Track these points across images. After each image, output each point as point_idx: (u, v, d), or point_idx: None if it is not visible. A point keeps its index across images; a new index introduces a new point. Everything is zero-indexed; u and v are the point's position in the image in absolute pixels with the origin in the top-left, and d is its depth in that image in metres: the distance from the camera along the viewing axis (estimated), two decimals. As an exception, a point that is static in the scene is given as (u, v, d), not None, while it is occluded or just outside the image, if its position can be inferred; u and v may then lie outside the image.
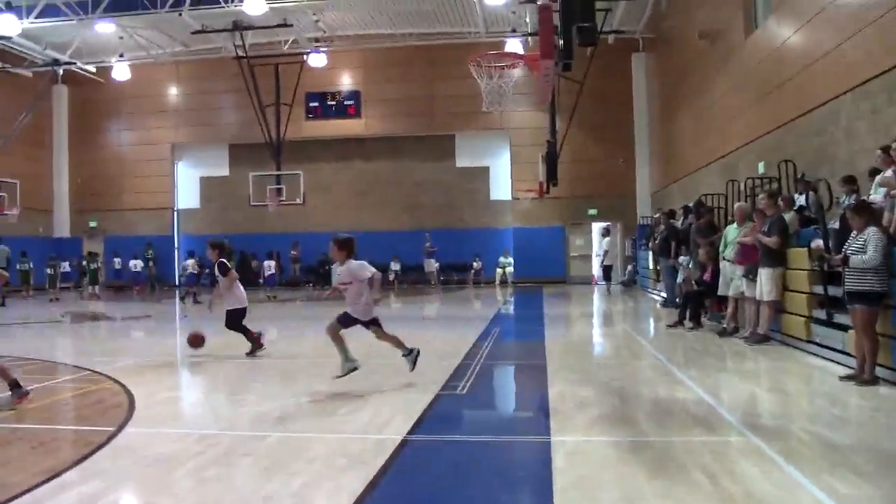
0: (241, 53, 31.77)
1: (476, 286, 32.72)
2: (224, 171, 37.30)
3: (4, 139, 31.41)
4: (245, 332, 12.20)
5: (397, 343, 9.54)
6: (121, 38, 31.97)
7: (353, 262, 9.21)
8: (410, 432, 6.87)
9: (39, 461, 6.15)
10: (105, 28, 30.03)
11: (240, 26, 30.15)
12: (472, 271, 33.82)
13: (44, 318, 21.00)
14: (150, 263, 34.80)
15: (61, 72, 35.57)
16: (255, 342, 12.15)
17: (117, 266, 34.28)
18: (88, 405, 8.34)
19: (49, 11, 28.34)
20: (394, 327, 10.03)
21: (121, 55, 33.87)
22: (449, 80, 33.53)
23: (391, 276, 33.63)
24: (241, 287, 12.46)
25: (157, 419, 7.59)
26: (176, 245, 37.45)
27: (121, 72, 34.56)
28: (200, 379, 10.62)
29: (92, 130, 37.87)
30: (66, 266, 31.87)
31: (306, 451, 6.27)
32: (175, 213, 37.62)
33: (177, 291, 32.92)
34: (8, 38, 30.09)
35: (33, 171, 35.31)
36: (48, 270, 29.96)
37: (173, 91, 37.38)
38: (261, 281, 32.91)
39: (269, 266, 29.18)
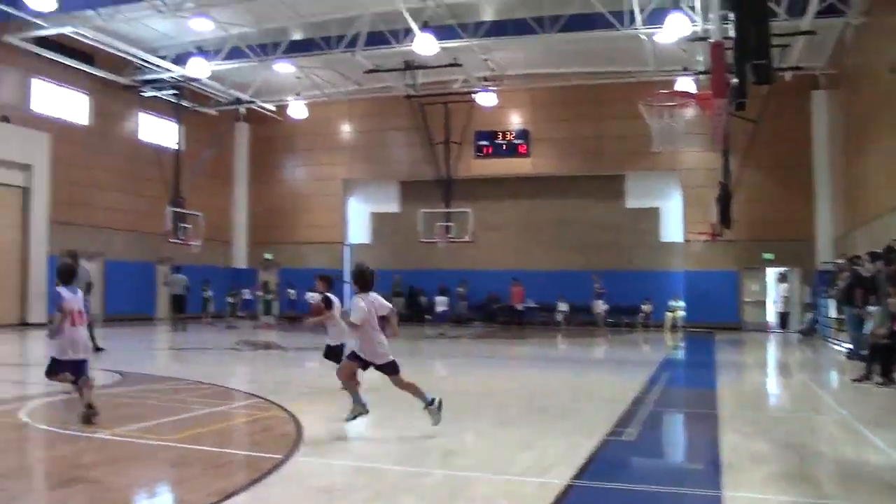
0: (411, 92, 32.71)
1: (645, 330, 31.98)
2: (395, 207, 38.31)
3: (193, 174, 33.55)
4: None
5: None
6: (298, 77, 33.61)
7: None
8: (575, 477, 6.73)
9: (213, 482, 6.43)
10: (284, 68, 31.66)
11: (411, 66, 31.07)
12: (642, 314, 33.05)
13: (221, 345, 22.11)
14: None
15: (243, 110, 37.77)
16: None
17: (291, 297, 35.62)
18: (258, 432, 8.67)
19: (233, 54, 30.15)
20: (559, 369, 9.90)
21: (297, 94, 35.60)
22: (618, 120, 33.21)
23: (558, 317, 33.39)
24: (343, 323, 12.14)
25: (323, 449, 7.78)
26: (346, 280, 38.66)
27: (297, 110, 36.30)
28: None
29: (269, 165, 39.90)
30: (247, 294, 33.24)
31: (468, 490, 6.25)
32: (346, 248, 38.91)
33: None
34: (197, 80, 32.25)
35: (215, 204, 37.50)
36: (229, 299, 31.59)
37: (346, 128, 38.85)
38: (428, 317, 33.48)
39: (442, 302, 29.43)
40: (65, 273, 9.56)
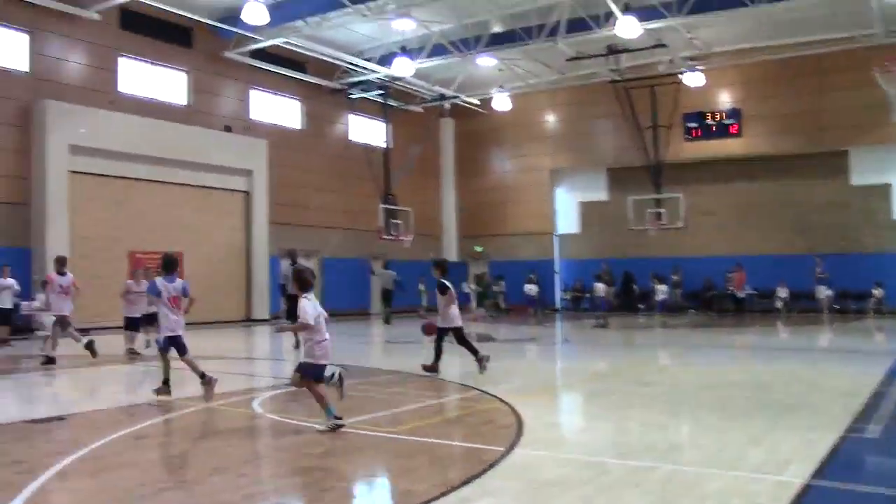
0: (615, 77, 32.13)
1: (878, 316, 29.77)
2: (603, 195, 37.81)
3: (402, 171, 34.58)
4: (469, 348, 13.19)
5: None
6: (500, 70, 33.81)
7: None
8: (815, 476, 6.32)
9: (438, 473, 6.55)
10: (486, 62, 31.94)
11: (614, 50, 30.49)
12: (873, 300, 30.79)
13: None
14: (537, 288, 35.99)
15: (447, 106, 38.50)
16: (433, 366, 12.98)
17: (499, 289, 35.83)
18: (480, 424, 8.76)
19: (436, 51, 30.75)
20: (784, 359, 9.35)
21: (500, 86, 35.84)
22: (840, 91, 31.13)
23: (778, 304, 31.77)
24: (456, 309, 13.15)
25: (545, 442, 7.74)
26: (556, 269, 38.60)
27: (501, 102, 36.56)
28: (585, 404, 10.73)
29: (476, 159, 40.48)
30: (465, 287, 33.57)
31: (698, 487, 6.01)
32: (555, 238, 38.81)
33: (557, 314, 33.80)
34: (402, 79, 33.18)
35: (424, 199, 38.48)
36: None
37: (550, 118, 38.74)
38: (640, 306, 32.82)
39: (662, 290, 28.55)
40: (167, 264, 10.78)
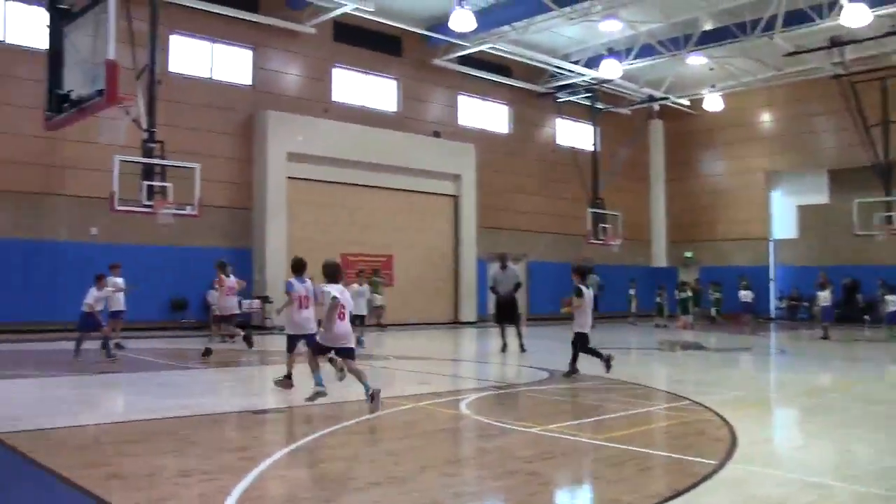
0: (839, 71, 30.23)
1: None
2: (823, 198, 35.66)
3: (610, 174, 34.12)
4: (593, 353, 13.23)
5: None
6: (711, 69, 32.68)
7: None
8: None
9: (648, 484, 6.37)
10: (696, 61, 30.96)
11: (838, 42, 28.67)
12: None
13: (644, 344, 22.18)
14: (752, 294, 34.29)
15: (656, 107, 37.62)
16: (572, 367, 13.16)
17: (714, 296, 34.35)
18: (690, 435, 8.45)
19: (644, 51, 30.13)
20: None
21: (712, 86, 34.63)
22: None
23: None
24: (589, 313, 13.34)
25: (761, 458, 7.35)
26: (771, 276, 36.81)
27: (713, 102, 35.32)
28: (804, 420, 10.12)
29: (685, 162, 39.32)
30: (677, 294, 32.43)
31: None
32: (770, 244, 37.03)
33: (772, 324, 32.22)
34: (610, 81, 32.74)
35: (633, 204, 37.77)
36: (657, 299, 31.58)
37: (766, 117, 37.01)
38: (866, 318, 30.75)
39: (893, 301, 26.43)
40: (296, 266, 11.89)
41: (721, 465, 6.77)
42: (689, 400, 10.63)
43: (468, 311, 31.13)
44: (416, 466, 6.77)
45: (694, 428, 8.78)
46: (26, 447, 7.25)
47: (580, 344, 13.30)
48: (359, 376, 9.58)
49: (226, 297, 17.05)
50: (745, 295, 32.31)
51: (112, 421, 9.06)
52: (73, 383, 12.62)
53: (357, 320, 17.97)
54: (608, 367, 13.24)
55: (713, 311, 31.95)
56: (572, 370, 13.18)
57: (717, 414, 9.38)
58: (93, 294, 15.08)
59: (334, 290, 9.58)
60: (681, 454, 7.32)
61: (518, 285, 18.54)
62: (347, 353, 9.66)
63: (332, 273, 9.92)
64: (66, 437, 7.92)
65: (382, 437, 8.37)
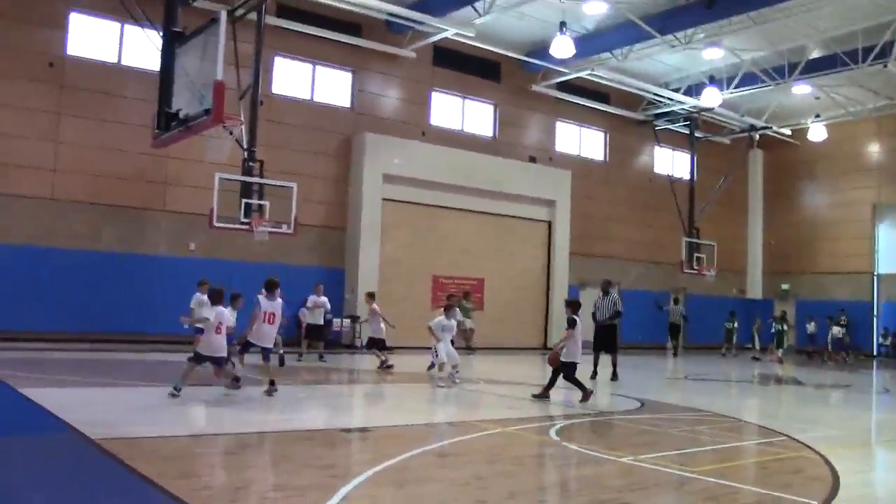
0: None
1: None
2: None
3: (707, 204, 33.45)
4: (577, 384, 13.33)
5: None
6: (816, 98, 31.79)
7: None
8: None
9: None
10: (801, 90, 30.20)
11: (955, 70, 27.54)
12: None
13: (740, 377, 21.61)
14: (844, 331, 33.19)
15: (757, 136, 36.75)
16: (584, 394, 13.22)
17: (809, 330, 33.39)
18: (786, 472, 8.12)
19: (746, 80, 29.53)
20: None
21: (817, 115, 33.67)
22: None
23: None
24: (579, 344, 13.58)
25: (865, 501, 7.03)
26: (875, 312, 35.42)
27: (817, 132, 34.30)
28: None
29: (785, 193, 38.27)
30: (773, 327, 31.37)
31: None
32: (875, 278, 35.67)
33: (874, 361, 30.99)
34: (710, 109, 32.19)
35: (729, 234, 36.92)
36: (754, 331, 30.84)
37: (875, 148, 35.77)
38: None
39: None
40: (269, 285, 12.82)
41: (822, 507, 6.49)
42: (786, 436, 10.26)
43: (558, 338, 30.70)
44: (504, 492, 6.68)
45: (791, 465, 8.45)
46: (124, 454, 7.42)
47: (566, 373, 13.45)
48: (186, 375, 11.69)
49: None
50: (837, 331, 31.21)
51: (205, 433, 9.23)
52: (167, 394, 12.92)
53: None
54: (586, 399, 13.16)
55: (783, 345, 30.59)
56: (544, 394, 13.55)
57: (816, 452, 9.02)
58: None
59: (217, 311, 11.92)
60: (778, 492, 7.03)
61: (618, 313, 18.25)
62: (217, 363, 11.88)
63: (215, 296, 12.33)
64: (161, 447, 8.08)
65: (470, 460, 8.30)
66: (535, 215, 30.72)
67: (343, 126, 26.80)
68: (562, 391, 15.35)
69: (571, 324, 13.54)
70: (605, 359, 18.16)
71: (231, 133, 15.46)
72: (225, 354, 12.08)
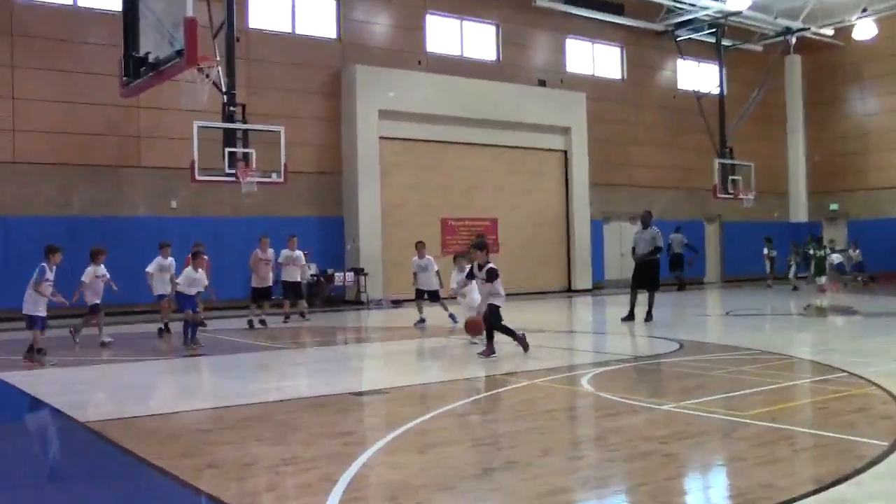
0: None
1: None
2: None
3: (740, 120, 33.18)
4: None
5: None
6: (861, -9, 31.35)
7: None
8: None
9: (804, 467, 6.18)
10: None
11: None
12: None
13: (784, 310, 21.64)
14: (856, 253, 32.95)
15: (793, 40, 36.22)
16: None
17: (852, 256, 33.09)
18: (850, 412, 8.10)
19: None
20: None
21: (863, 10, 33.07)
22: None
23: None
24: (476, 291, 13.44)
25: (938, 435, 7.04)
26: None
27: (864, 30, 33.78)
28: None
29: (828, 102, 37.86)
30: (835, 259, 31.08)
31: None
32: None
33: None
34: (737, 13, 31.74)
35: (767, 152, 36.72)
36: (791, 258, 30.73)
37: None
38: None
39: None
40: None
41: (893, 448, 6.48)
42: (845, 371, 10.26)
43: (583, 278, 30.85)
44: (536, 450, 6.70)
45: (854, 404, 8.45)
46: (117, 436, 7.48)
47: (493, 321, 12.70)
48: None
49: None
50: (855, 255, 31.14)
51: (204, 407, 9.28)
52: (159, 368, 13.03)
53: (425, 295, 18.21)
54: (523, 346, 12.69)
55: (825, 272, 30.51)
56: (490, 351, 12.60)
57: (882, 388, 9.01)
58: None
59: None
60: (841, 433, 7.04)
61: (658, 249, 18.12)
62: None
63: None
64: (158, 426, 8.14)
65: (497, 418, 8.34)
66: (548, 145, 30.57)
67: (330, 59, 26.55)
68: (594, 336, 15.42)
69: (494, 274, 12.77)
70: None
71: (207, 76, 15.27)
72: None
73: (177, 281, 15.28)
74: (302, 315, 20.09)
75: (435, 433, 7.50)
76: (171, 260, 17.14)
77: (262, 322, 18.60)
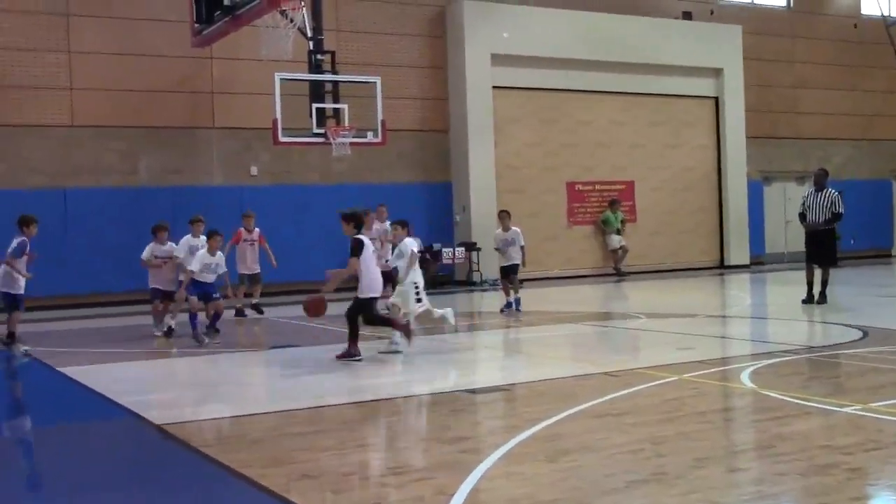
0: None
1: None
2: None
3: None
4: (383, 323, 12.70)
5: None
6: None
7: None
8: None
9: None
10: None
11: None
12: None
13: None
14: None
15: None
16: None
17: None
18: None
19: None
20: None
21: None
22: None
23: None
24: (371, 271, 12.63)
25: None
26: None
27: None
28: None
29: None
30: None
31: None
32: None
33: None
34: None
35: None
36: None
37: None
38: None
39: None
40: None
41: None
42: None
43: (738, 252, 30.37)
44: (689, 459, 6.65)
45: None
46: (197, 440, 7.70)
47: (368, 316, 12.47)
48: None
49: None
50: None
51: (295, 408, 9.45)
52: (230, 362, 13.37)
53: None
54: (407, 336, 12.48)
55: None
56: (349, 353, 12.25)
57: None
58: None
59: None
60: None
61: (837, 216, 17.60)
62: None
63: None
64: (241, 429, 8.35)
65: (640, 420, 8.28)
66: (695, 91, 30.15)
67: (430, -4, 26.61)
68: (754, 322, 15.18)
69: (356, 250, 12.31)
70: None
71: (291, 20, 15.48)
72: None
73: (190, 268, 15.03)
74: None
75: (566, 438, 7.50)
76: (202, 239, 16.35)
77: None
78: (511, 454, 6.90)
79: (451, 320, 13.96)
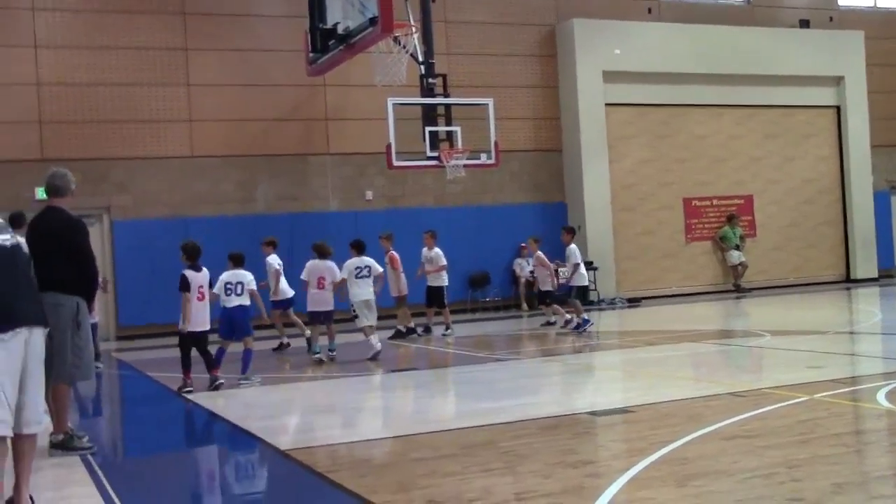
0: None
1: None
2: None
3: None
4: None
5: None
6: None
7: None
8: None
9: None
10: None
11: None
12: None
13: None
14: None
15: None
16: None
17: None
18: None
19: None
20: None
21: None
22: None
23: None
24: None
25: None
26: None
27: None
28: None
29: None
30: None
31: None
32: None
33: None
34: None
35: None
36: None
37: None
38: None
39: None
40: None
41: None
42: None
43: (865, 265, 29.59)
44: (827, 484, 6.46)
45: None
46: (324, 465, 7.74)
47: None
48: None
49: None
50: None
51: (417, 432, 9.45)
52: (354, 386, 13.45)
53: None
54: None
55: None
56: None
57: None
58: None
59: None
60: None
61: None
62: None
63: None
64: (366, 453, 8.40)
65: (772, 442, 8.07)
66: (815, 100, 29.57)
67: (543, 14, 26.63)
68: (886, 339, 14.81)
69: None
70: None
71: (404, 46, 15.59)
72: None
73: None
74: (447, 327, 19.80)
75: (696, 462, 7.35)
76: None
77: (427, 329, 19.60)
78: (638, 479, 6.79)
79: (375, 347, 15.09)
